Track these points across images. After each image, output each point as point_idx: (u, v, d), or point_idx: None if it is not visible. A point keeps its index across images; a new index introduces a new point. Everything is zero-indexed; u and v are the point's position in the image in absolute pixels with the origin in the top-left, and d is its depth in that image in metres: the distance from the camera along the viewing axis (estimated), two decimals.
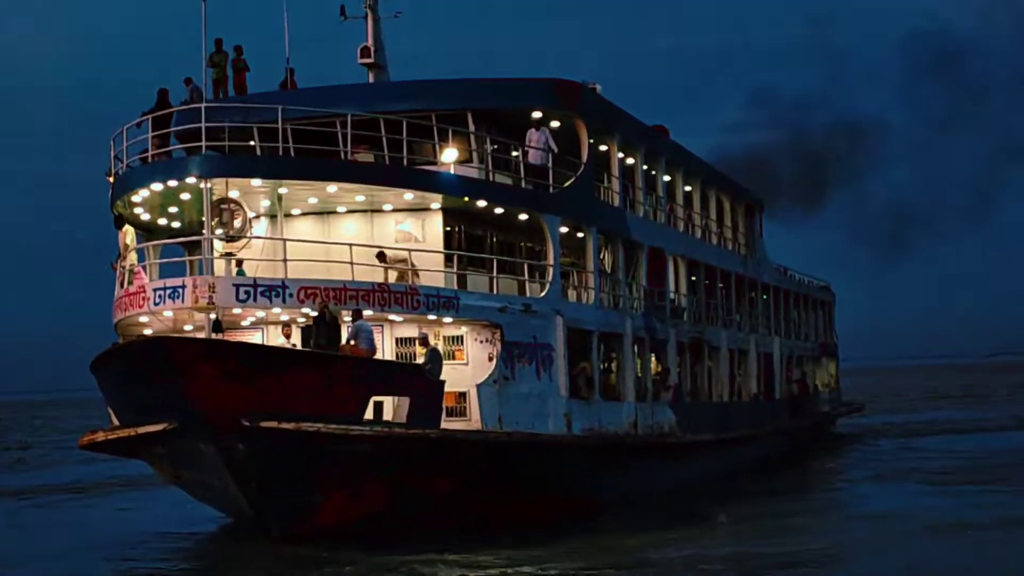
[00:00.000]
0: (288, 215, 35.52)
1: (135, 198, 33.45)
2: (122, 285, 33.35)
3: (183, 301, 30.88)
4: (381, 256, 33.73)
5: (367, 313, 31.92)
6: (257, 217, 35.52)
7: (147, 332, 34.08)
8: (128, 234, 33.66)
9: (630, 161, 43.25)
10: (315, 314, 31.15)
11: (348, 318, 32.19)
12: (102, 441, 32.72)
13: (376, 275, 32.82)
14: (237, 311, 31.93)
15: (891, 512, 37.51)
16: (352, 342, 31.28)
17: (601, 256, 41.41)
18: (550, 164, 37.08)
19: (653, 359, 43.82)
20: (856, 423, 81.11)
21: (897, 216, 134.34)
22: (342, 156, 34.14)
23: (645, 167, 44.47)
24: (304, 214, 35.71)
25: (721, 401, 50.36)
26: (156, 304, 31.47)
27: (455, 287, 34.74)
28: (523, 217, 36.71)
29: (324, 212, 35.64)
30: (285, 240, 33.10)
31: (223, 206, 31.90)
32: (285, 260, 32.00)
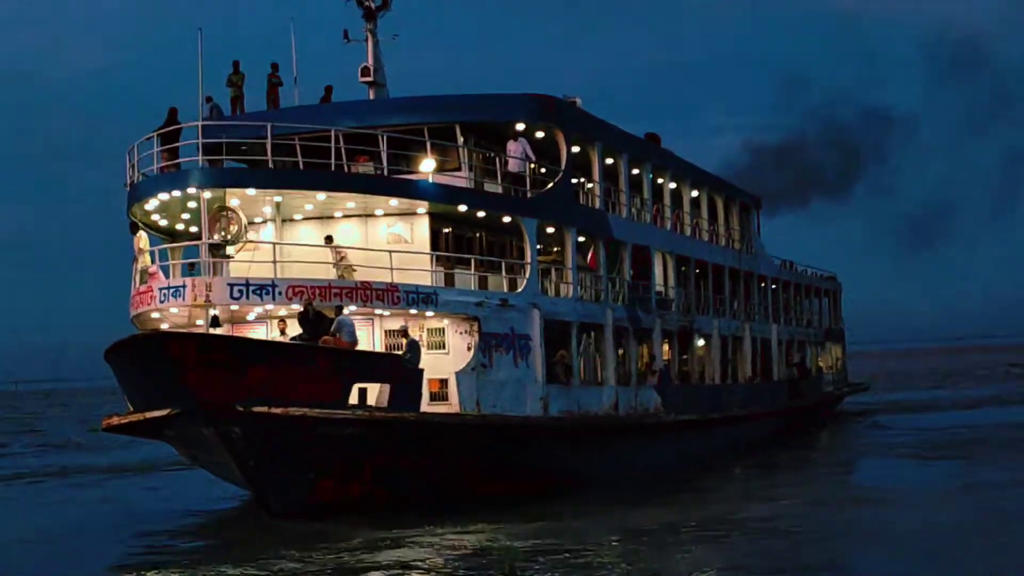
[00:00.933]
0: (291, 220, 37.50)
1: (148, 206, 35.37)
2: (136, 285, 35.38)
3: (183, 299, 32.93)
4: (329, 239, 35.84)
5: (351, 308, 33.86)
6: (264, 222, 37.47)
7: (164, 326, 36.13)
8: (141, 239, 35.46)
9: (614, 167, 44.89)
10: (301, 310, 33.06)
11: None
12: (117, 425, 34.67)
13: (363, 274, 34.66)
14: (235, 308, 33.88)
15: (867, 482, 39.79)
16: (337, 335, 33.12)
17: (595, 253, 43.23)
18: (527, 172, 38.81)
19: (639, 347, 45.36)
20: (861, 401, 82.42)
21: (921, 211, 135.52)
22: (345, 167, 36.16)
23: (634, 171, 46.15)
24: (306, 219, 37.48)
25: (713, 384, 51.85)
26: (161, 302, 33.42)
27: (442, 284, 36.60)
28: (507, 219, 38.45)
29: (323, 217, 37.32)
30: (275, 244, 35.09)
31: (221, 213, 33.85)
32: (275, 261, 33.96)
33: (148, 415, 33.00)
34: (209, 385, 31.01)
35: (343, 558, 27.89)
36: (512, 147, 38.70)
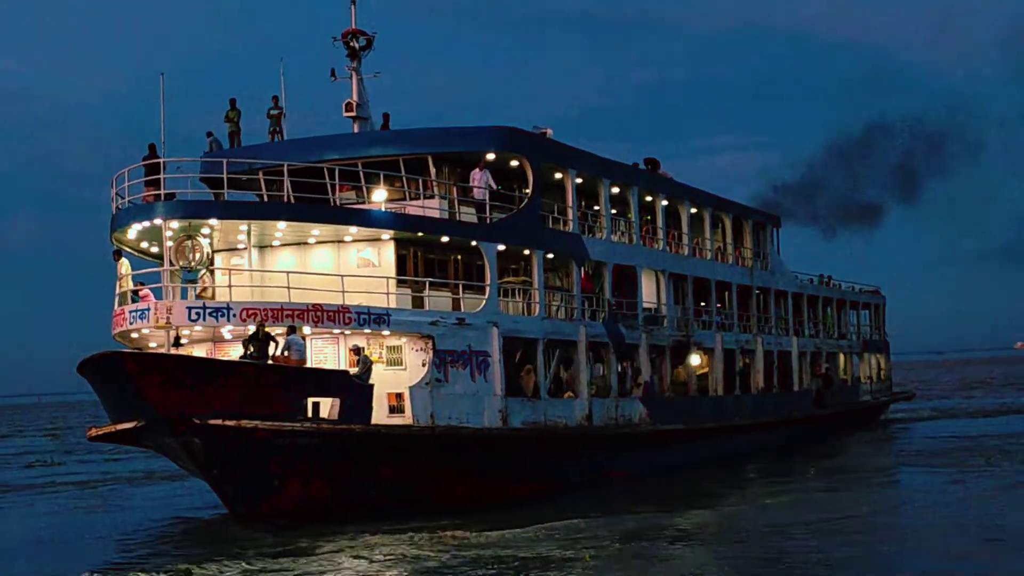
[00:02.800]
0: (271, 246, 38.38)
1: (129, 234, 36.50)
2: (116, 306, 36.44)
3: (148, 320, 34.03)
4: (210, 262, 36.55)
5: (306, 329, 34.62)
6: (245, 248, 38.39)
7: (152, 344, 37.12)
8: (123, 265, 36.53)
9: (594, 191, 44.97)
10: (253, 329, 33.81)
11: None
12: (96, 435, 35.81)
13: (317, 296, 35.24)
14: (199, 329, 34.85)
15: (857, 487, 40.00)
16: (285, 353, 33.84)
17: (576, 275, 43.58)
18: (487, 199, 39.29)
19: (622, 361, 45.38)
20: (907, 408, 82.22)
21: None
22: (330, 196, 37.28)
23: (620, 195, 46.39)
24: (283, 244, 38.24)
25: (715, 395, 51.69)
26: (131, 323, 34.59)
27: (409, 305, 37.14)
28: (475, 243, 38.83)
29: (300, 243, 38.10)
30: (229, 269, 36.08)
31: (186, 241, 34.81)
32: (230, 285, 35.01)
33: (118, 427, 34.16)
34: (167, 399, 32.01)
35: (315, 562, 28.23)
36: (476, 176, 39.21)
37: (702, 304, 52.11)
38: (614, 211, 45.97)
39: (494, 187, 39.28)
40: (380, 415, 35.68)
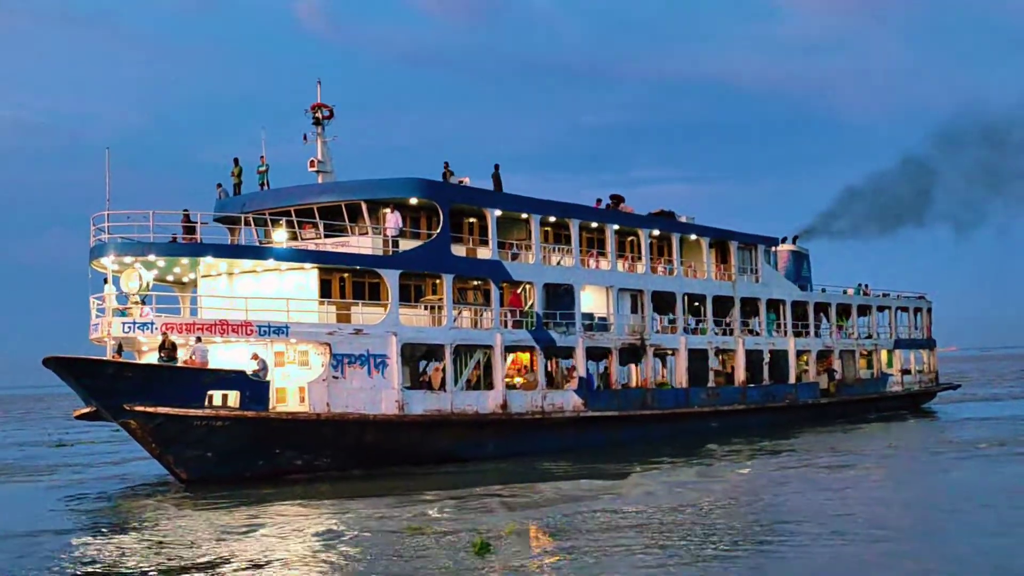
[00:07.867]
0: (233, 273, 42.12)
1: (103, 263, 39.30)
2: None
3: (98, 332, 38.58)
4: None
5: (216, 339, 38.33)
6: (219, 275, 42.41)
7: (144, 348, 41.48)
8: (108, 287, 40.66)
9: (525, 225, 46.95)
10: (161, 339, 37.73)
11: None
12: (79, 414, 40.12)
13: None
14: (143, 339, 39.06)
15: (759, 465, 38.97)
16: (193, 357, 37.78)
17: (525, 293, 45.96)
18: (397, 235, 41.93)
19: (549, 360, 47.19)
20: (954, 396, 79.91)
21: None
22: (297, 234, 41.33)
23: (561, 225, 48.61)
24: (243, 272, 41.55)
25: (681, 387, 52.52)
26: (94, 334, 39.16)
27: (334, 321, 40.43)
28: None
29: (253, 271, 41.36)
30: (155, 295, 40.09)
31: (133, 271, 39.08)
32: (154, 306, 39.05)
33: (84, 411, 38.89)
34: (104, 392, 36.39)
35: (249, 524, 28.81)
36: (389, 218, 42.15)
37: (667, 313, 53.17)
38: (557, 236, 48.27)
39: (401, 225, 42.20)
40: (294, 405, 39.24)
